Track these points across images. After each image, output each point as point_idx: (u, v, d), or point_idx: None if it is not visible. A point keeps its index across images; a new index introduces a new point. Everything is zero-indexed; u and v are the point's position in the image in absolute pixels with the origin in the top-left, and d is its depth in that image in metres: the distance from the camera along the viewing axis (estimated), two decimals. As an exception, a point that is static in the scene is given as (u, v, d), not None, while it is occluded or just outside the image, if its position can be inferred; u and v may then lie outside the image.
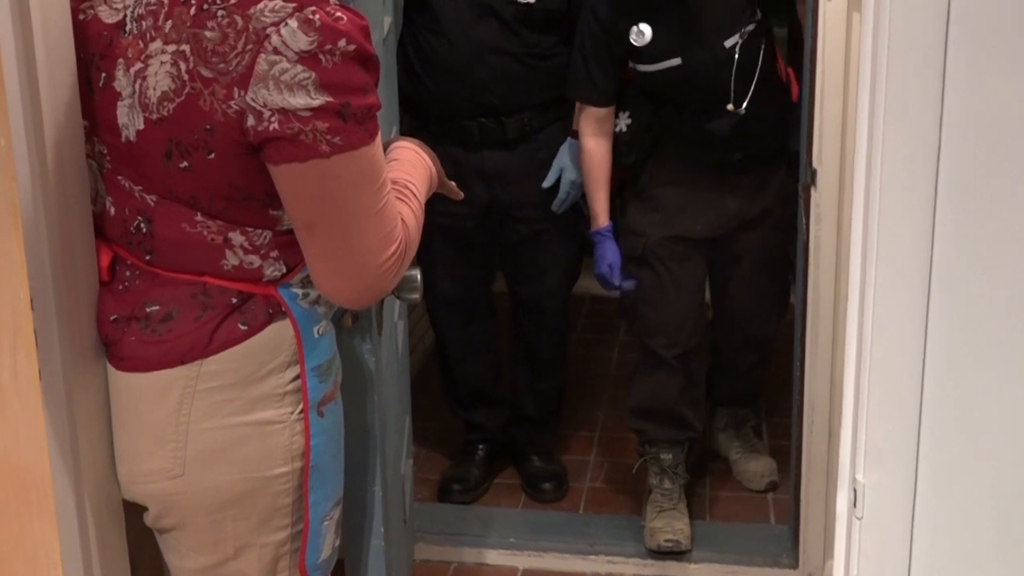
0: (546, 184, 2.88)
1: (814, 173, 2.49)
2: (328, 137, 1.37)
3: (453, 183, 1.80)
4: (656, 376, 2.89)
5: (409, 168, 1.63)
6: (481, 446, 3.18)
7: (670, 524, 2.84)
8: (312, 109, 1.36)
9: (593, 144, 2.77)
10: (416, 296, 1.83)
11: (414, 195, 1.59)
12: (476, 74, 2.78)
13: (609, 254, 2.82)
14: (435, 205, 1.72)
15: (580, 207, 2.99)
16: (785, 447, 2.96)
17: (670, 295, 2.83)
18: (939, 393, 1.19)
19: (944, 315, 1.17)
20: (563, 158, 2.87)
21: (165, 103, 1.41)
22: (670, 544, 2.81)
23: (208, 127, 1.40)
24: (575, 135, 2.84)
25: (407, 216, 1.53)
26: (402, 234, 1.49)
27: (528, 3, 2.76)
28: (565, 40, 2.81)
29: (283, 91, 1.36)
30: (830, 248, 2.53)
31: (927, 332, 1.17)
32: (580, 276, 3.13)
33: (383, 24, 2.16)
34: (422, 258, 1.74)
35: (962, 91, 1.12)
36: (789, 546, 2.83)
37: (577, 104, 2.80)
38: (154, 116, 1.42)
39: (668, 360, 2.85)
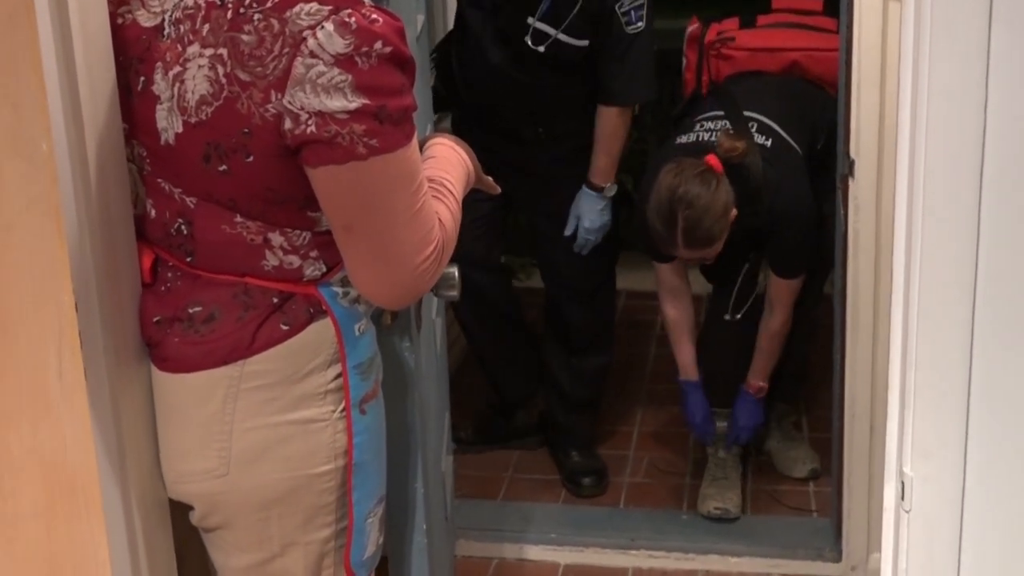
0: (567, 232, 2.96)
1: (852, 164, 2.47)
2: (365, 139, 1.38)
3: (490, 178, 1.79)
4: (713, 339, 3.01)
5: (446, 165, 1.63)
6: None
7: (721, 492, 2.96)
8: (349, 112, 1.36)
9: (670, 310, 2.97)
10: (455, 293, 1.83)
11: (451, 192, 1.58)
12: (494, 92, 2.89)
13: (700, 408, 2.98)
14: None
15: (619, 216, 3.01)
16: (826, 440, 2.93)
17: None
18: (987, 384, 1.17)
19: (991, 305, 1.16)
20: (578, 207, 2.94)
21: (203, 107, 1.42)
22: (719, 512, 2.93)
23: (246, 130, 1.41)
24: (591, 185, 2.93)
25: (444, 215, 1.53)
26: (439, 235, 1.49)
27: (538, 52, 2.79)
28: (583, 77, 2.86)
29: (320, 94, 1.36)
30: (869, 238, 2.51)
31: (974, 323, 1.16)
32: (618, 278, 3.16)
33: (416, 22, 2.15)
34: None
35: (1007, 77, 1.11)
36: (832, 539, 2.81)
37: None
38: (192, 120, 1.43)
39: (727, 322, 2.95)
